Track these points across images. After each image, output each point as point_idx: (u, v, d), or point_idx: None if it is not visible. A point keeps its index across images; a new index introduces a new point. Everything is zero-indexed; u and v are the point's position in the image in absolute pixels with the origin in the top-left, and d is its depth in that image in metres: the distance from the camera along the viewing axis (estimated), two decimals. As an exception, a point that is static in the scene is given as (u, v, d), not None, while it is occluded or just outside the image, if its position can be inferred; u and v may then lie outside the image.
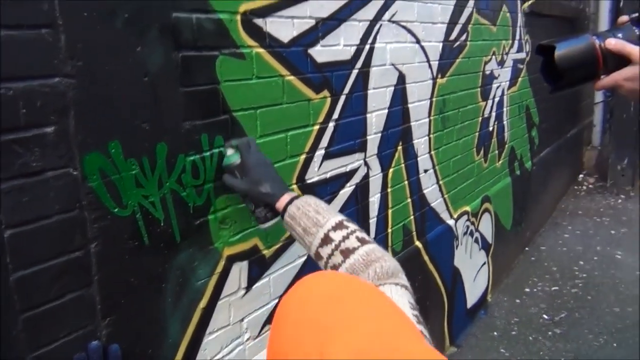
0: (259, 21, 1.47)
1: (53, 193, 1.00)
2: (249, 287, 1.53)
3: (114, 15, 1.08)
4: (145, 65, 1.16)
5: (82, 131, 1.04)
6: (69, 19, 1.00)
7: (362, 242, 1.02)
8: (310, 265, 1.79)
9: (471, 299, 3.28)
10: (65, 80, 1.01)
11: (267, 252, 1.59)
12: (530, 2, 3.89)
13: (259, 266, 1.57)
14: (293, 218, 1.14)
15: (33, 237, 0.97)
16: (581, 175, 6.57)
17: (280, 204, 1.21)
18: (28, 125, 0.96)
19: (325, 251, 1.04)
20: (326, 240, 1.04)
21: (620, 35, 1.02)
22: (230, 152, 1.31)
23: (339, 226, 1.05)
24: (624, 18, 1.06)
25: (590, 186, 6.26)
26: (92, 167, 1.06)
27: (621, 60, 1.00)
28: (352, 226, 1.07)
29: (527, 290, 3.78)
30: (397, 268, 0.96)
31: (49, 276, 1.01)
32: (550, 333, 3.23)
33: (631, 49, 0.99)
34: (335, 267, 1.02)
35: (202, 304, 1.37)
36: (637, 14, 1.04)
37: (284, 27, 1.56)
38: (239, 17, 1.40)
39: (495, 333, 3.25)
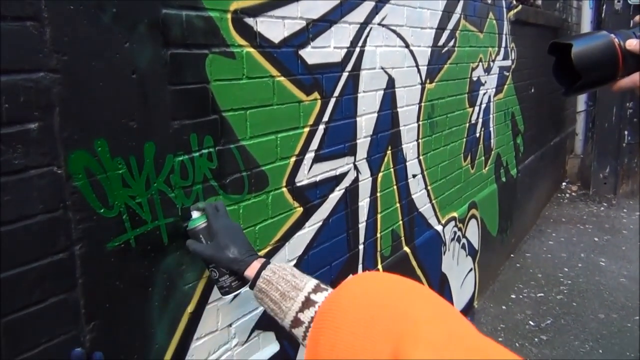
0: (249, 20, 1.44)
1: (36, 192, 0.96)
2: (237, 292, 1.49)
3: (101, 9, 1.05)
4: (133, 61, 1.13)
5: (68, 128, 1.00)
6: (55, 11, 0.97)
7: None
8: (300, 270, 1.76)
9: (458, 305, 3.26)
10: (50, 75, 0.97)
11: (256, 256, 1.56)
12: (516, 10, 3.92)
13: (247, 270, 1.53)
14: (269, 282, 1.04)
15: (14, 238, 0.93)
16: (564, 183, 6.63)
17: (251, 270, 1.11)
18: (10, 121, 0.92)
19: (307, 315, 0.95)
20: (307, 303, 0.96)
21: None
22: (195, 214, 1.22)
23: (318, 288, 0.98)
24: (638, 18, 1.00)
25: (573, 194, 6.32)
26: (78, 166, 1.02)
27: None
28: (329, 287, 1.00)
29: (513, 296, 3.78)
30: None
31: (31, 279, 0.96)
32: (536, 339, 3.24)
33: None
34: None
35: (190, 308, 1.33)
36: None
37: (274, 27, 1.54)
38: (229, 16, 1.37)
39: (482, 340, 3.24)
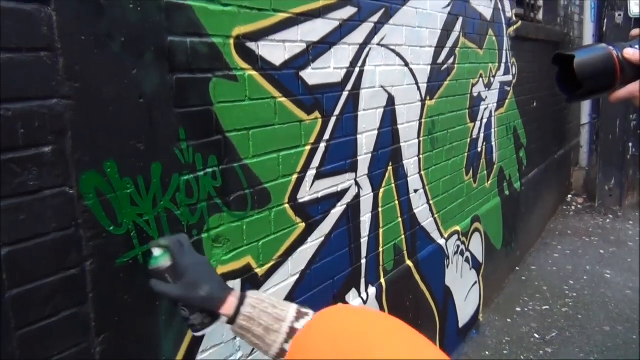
0: (251, 45, 1.51)
1: (50, 211, 1.02)
2: (241, 306, 1.54)
3: (110, 38, 1.12)
4: (140, 87, 1.19)
5: (79, 151, 1.06)
6: (67, 42, 1.03)
7: None
8: (303, 284, 1.81)
9: (463, 318, 3.28)
10: (63, 102, 1.03)
11: (259, 271, 1.61)
12: (516, 27, 3.99)
13: (251, 284, 1.58)
14: (250, 319, 0.99)
15: (29, 254, 0.99)
16: (570, 196, 6.64)
17: (227, 307, 1.03)
18: (26, 145, 0.98)
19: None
20: (292, 333, 0.94)
21: (637, 46, 0.99)
22: (157, 252, 1.08)
23: (299, 315, 0.97)
24: (636, 31, 1.05)
25: (579, 206, 6.33)
26: (89, 186, 1.08)
27: (638, 72, 0.99)
28: (309, 311, 0.98)
29: (518, 309, 3.79)
30: None
31: (45, 293, 1.02)
32: (541, 352, 3.24)
33: None
34: None
35: (196, 322, 1.37)
36: None
37: (275, 51, 1.60)
38: (232, 41, 1.44)
39: (487, 352, 3.25)
